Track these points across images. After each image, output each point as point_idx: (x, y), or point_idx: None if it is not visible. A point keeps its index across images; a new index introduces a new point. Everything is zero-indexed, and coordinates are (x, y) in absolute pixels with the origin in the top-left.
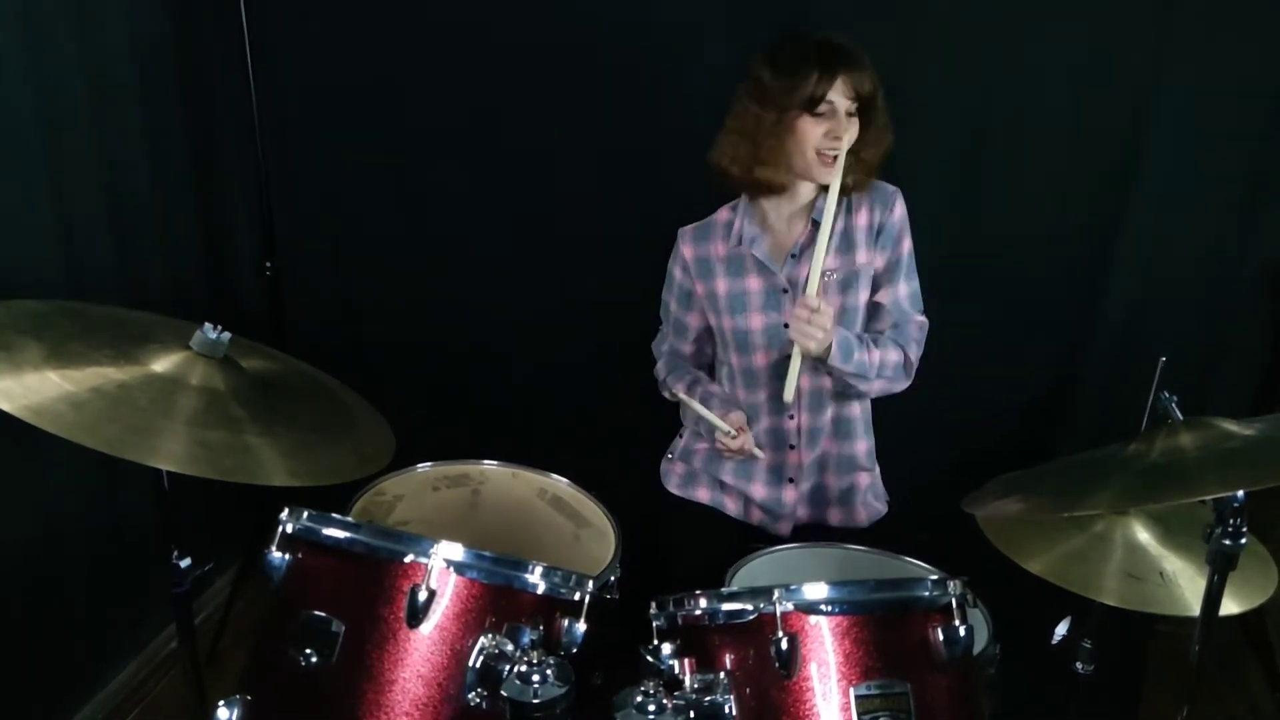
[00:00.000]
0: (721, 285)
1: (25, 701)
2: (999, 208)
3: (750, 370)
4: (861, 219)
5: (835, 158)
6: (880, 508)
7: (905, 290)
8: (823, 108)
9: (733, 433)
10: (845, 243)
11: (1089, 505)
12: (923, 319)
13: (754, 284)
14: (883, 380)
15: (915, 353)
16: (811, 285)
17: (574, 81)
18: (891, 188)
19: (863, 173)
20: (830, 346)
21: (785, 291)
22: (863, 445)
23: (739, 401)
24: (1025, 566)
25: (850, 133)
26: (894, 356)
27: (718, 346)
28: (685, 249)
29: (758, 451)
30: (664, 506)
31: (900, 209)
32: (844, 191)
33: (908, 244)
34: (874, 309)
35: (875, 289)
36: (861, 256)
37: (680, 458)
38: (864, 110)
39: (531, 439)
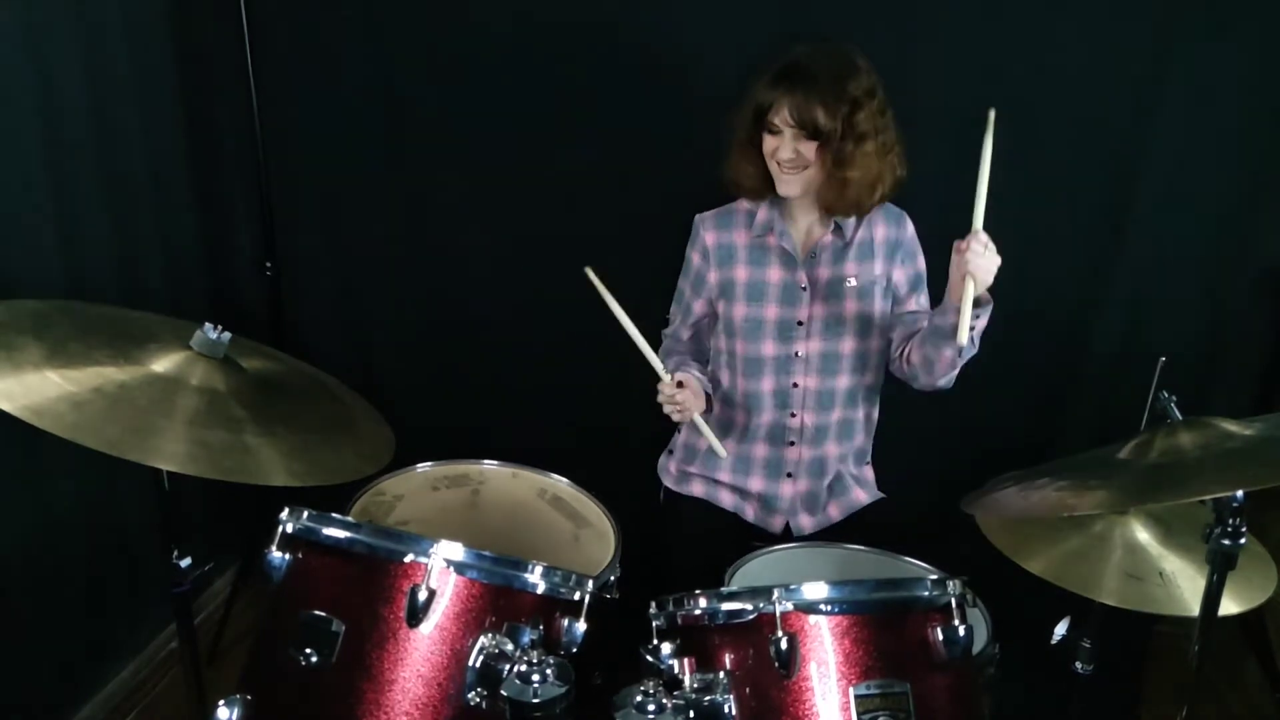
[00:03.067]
0: (742, 273)
1: (25, 701)
2: (999, 208)
3: (757, 359)
4: (879, 233)
5: (790, 173)
6: (877, 493)
7: (928, 300)
8: (771, 125)
9: (667, 379)
10: (864, 252)
11: (1089, 505)
12: None
13: (774, 275)
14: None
15: None
16: (978, 218)
17: (574, 83)
18: (898, 209)
19: (835, 194)
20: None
21: (804, 289)
22: (860, 439)
23: (736, 393)
24: (1025, 566)
25: (799, 153)
26: None
27: (721, 336)
28: (707, 235)
29: (714, 444)
30: (661, 500)
31: (910, 227)
32: (832, 212)
33: (922, 262)
34: (914, 316)
35: (904, 301)
36: (878, 267)
37: (679, 453)
38: (819, 136)
39: (531, 439)
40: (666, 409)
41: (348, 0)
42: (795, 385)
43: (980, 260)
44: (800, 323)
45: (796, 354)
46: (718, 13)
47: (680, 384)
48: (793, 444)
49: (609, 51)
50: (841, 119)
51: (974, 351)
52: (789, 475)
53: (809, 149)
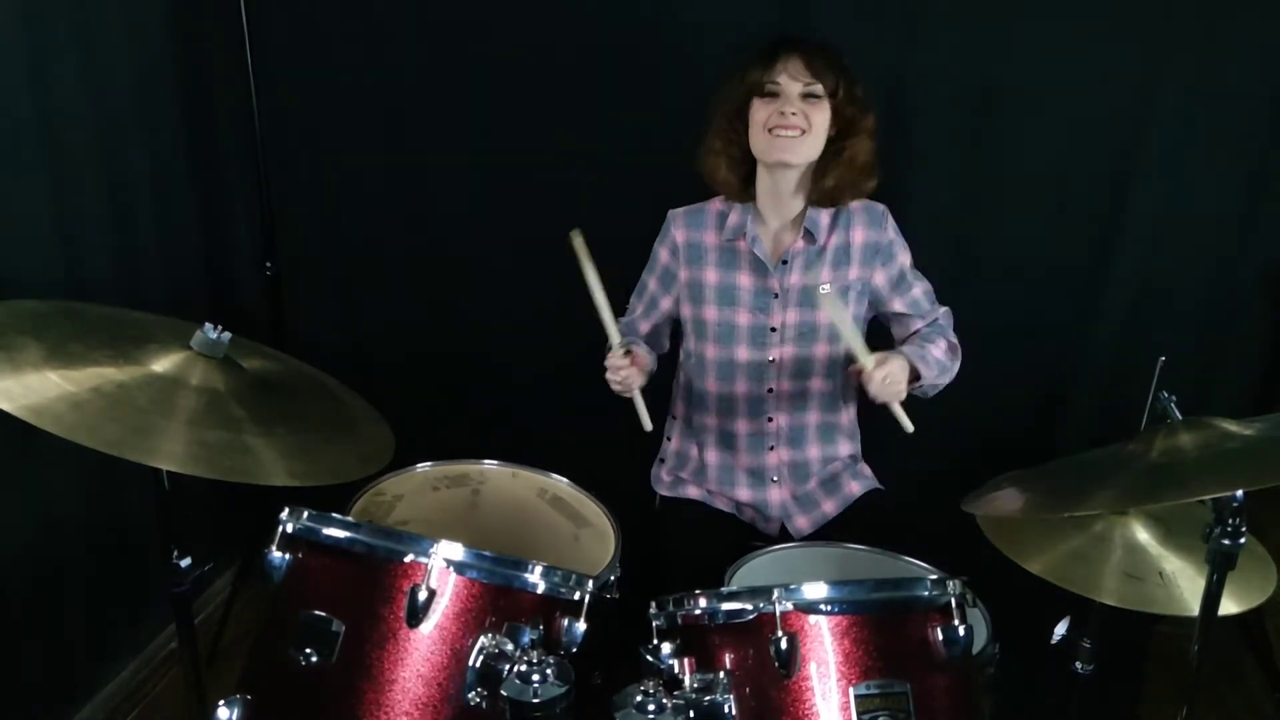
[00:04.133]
0: (712, 276)
1: (25, 701)
2: (999, 208)
3: (730, 363)
4: (857, 237)
5: (790, 134)
6: (872, 482)
7: (919, 291)
8: (770, 88)
9: (619, 349)
10: (839, 259)
11: (1089, 505)
12: (945, 308)
13: (745, 281)
14: (952, 366)
15: (953, 336)
16: (861, 356)
17: (575, 85)
18: (880, 206)
19: (832, 170)
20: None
21: (776, 296)
22: (846, 448)
23: (709, 397)
24: (1025, 566)
25: (810, 115)
26: (941, 344)
27: (691, 338)
28: (677, 232)
29: (644, 417)
30: (659, 505)
31: (892, 225)
32: (818, 199)
33: (906, 256)
34: (901, 318)
35: (887, 302)
36: (854, 272)
37: (669, 460)
38: (831, 99)
39: (531, 439)
40: (610, 377)
41: (348, 0)
42: (770, 391)
43: (884, 390)
44: (774, 329)
45: (771, 360)
46: (718, 11)
47: (630, 354)
48: (772, 449)
49: (610, 52)
50: (844, 83)
51: (940, 386)
52: (774, 481)
53: (815, 111)
